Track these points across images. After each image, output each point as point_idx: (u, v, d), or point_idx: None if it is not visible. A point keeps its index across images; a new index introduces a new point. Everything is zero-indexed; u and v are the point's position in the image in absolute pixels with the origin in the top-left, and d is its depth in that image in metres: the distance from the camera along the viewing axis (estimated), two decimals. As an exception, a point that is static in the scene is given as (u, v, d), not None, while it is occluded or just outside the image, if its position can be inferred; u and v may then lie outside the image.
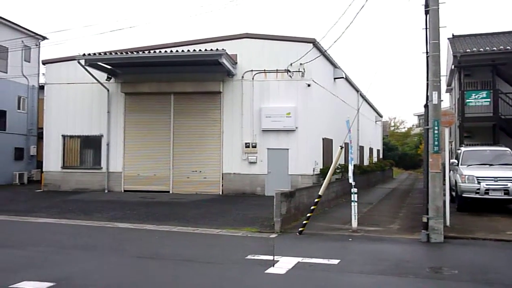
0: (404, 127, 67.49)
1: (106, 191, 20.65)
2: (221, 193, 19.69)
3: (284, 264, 7.57)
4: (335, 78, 23.35)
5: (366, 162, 31.33)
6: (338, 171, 19.56)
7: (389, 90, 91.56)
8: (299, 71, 19.04)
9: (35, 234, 11.09)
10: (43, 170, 22.15)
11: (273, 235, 10.54)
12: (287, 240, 10.05)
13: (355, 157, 28.11)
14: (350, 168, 11.52)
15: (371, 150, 35.70)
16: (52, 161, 21.68)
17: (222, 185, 19.82)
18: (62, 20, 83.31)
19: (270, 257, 8.07)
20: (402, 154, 52.79)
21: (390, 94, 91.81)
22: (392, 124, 65.75)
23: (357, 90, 29.57)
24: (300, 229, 10.66)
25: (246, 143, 19.62)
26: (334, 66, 23.14)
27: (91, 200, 17.77)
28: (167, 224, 12.11)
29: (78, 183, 21.19)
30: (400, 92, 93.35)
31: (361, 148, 30.50)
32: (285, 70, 19.22)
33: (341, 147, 11.41)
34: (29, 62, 27.71)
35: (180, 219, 12.94)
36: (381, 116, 43.19)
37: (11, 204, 16.65)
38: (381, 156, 42.48)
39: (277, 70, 19.41)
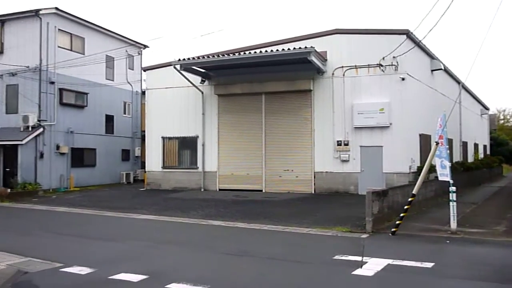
0: (516, 120, 61.78)
1: (202, 189, 21.50)
2: (313, 192, 19.54)
3: (372, 266, 7.30)
4: (432, 70, 22.05)
5: (470, 159, 29.18)
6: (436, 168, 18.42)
7: (496, 79, 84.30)
8: (392, 65, 18.27)
9: (136, 230, 11.87)
10: (146, 170, 23.67)
11: (364, 235, 10.22)
12: (379, 241, 9.68)
13: (458, 154, 26.34)
14: (447, 164, 10.79)
15: (476, 145, 33.18)
16: (154, 161, 23.07)
17: (314, 183, 19.65)
18: (159, 29, 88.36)
19: (359, 258, 7.84)
20: (514, 149, 48.33)
21: (497, 84, 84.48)
22: (501, 117, 60.53)
23: (458, 82, 27.65)
24: (393, 229, 10.22)
25: (338, 141, 19.27)
26: (431, 57, 21.86)
27: (188, 198, 18.61)
28: (258, 222, 12.29)
29: (177, 182, 22.31)
30: (509, 81, 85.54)
31: (464, 144, 28.47)
32: (377, 64, 18.57)
33: (437, 143, 10.74)
34: (132, 69, 29.77)
35: (271, 217, 13.05)
36: (487, 109, 39.97)
37: (118, 201, 17.98)
38: (488, 152, 39.32)
39: (368, 65, 18.80)
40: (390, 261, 7.54)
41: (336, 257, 8.02)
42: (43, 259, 8.04)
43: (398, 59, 18.06)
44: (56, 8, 23.28)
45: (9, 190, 19.92)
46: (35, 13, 22.48)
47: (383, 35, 18.74)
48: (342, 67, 19.26)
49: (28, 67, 22.29)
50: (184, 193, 20.40)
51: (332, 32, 19.64)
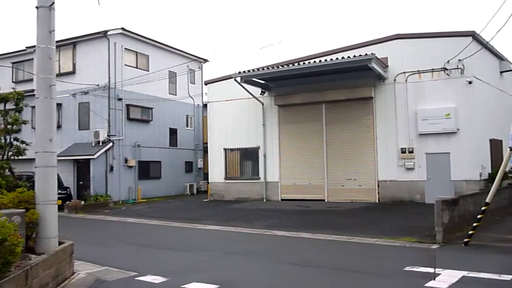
0: None
1: (264, 200, 21.65)
2: (377, 201, 19.13)
3: (446, 278, 7.05)
4: (501, 72, 21.04)
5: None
6: (511, 175, 17.47)
7: None
8: (457, 68, 17.63)
9: (203, 240, 12.17)
10: (209, 181, 24.21)
11: (435, 246, 9.88)
12: (450, 252, 9.32)
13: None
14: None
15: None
16: (216, 172, 23.55)
17: (378, 192, 19.23)
18: (219, 43, 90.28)
19: (431, 270, 7.59)
20: None
21: None
22: None
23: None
24: (466, 240, 9.81)
25: (402, 149, 18.78)
26: (500, 59, 20.86)
27: (251, 208, 18.81)
28: (322, 232, 12.21)
29: (239, 192, 22.63)
30: None
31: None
32: (441, 68, 17.99)
33: (511, 149, 10.21)
34: (193, 83, 30.68)
35: (335, 227, 12.92)
36: None
37: (184, 212, 18.50)
38: None
39: (432, 69, 18.25)
40: (465, 273, 7.24)
41: (407, 268, 7.81)
42: (118, 268, 8.45)
43: (464, 62, 17.40)
44: (123, 29, 24.53)
45: (82, 202, 21.07)
46: (103, 34, 23.81)
47: (447, 38, 18.13)
48: (404, 72, 18.82)
49: (98, 85, 23.59)
50: (246, 204, 20.64)
51: (392, 37, 19.28)
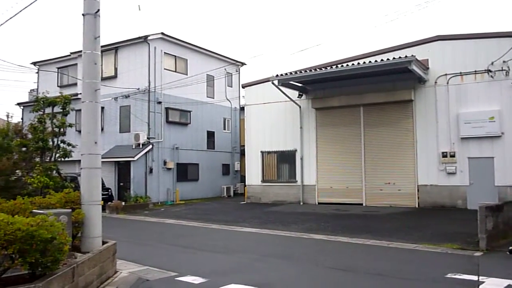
0: None
1: (301, 203, 21.59)
2: (417, 206, 18.73)
3: (491, 287, 6.85)
4: (549, 74, 20.18)
5: None
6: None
7: None
8: (502, 70, 17.08)
9: (240, 242, 12.26)
10: (246, 183, 24.36)
11: (478, 253, 9.60)
12: (495, 259, 9.05)
13: None
14: None
15: None
16: (253, 175, 23.68)
17: (418, 197, 18.83)
18: (257, 46, 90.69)
19: (474, 277, 7.39)
20: None
21: None
22: None
23: None
24: (511, 247, 9.47)
25: (443, 153, 18.34)
26: (548, 60, 20.02)
27: (287, 212, 18.80)
28: (360, 237, 12.09)
29: (276, 195, 22.66)
30: None
31: None
32: (485, 70, 17.47)
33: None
34: (231, 87, 30.99)
35: (374, 232, 12.76)
36: None
37: (221, 214, 18.68)
38: None
39: (475, 71, 17.75)
40: (510, 282, 7.01)
41: (449, 275, 7.64)
42: (159, 268, 8.65)
43: (510, 64, 16.84)
44: (162, 33, 25.06)
45: (123, 203, 21.62)
46: (144, 39, 24.41)
47: (491, 38, 17.59)
48: (446, 75, 18.39)
49: (138, 89, 24.20)
50: (283, 207, 20.64)
51: (433, 39, 18.87)
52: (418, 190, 18.85)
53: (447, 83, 18.35)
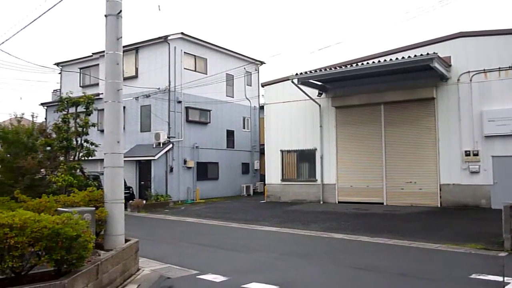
0: None
1: (321, 202, 21.51)
2: (439, 205, 18.48)
3: (516, 287, 6.72)
4: None
5: None
6: None
7: None
8: (527, 67, 16.73)
9: (260, 241, 12.28)
10: (265, 182, 24.38)
11: (502, 254, 9.42)
12: (520, 260, 8.86)
13: None
14: None
15: None
16: (273, 174, 23.67)
17: (440, 196, 18.57)
18: (276, 44, 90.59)
19: (499, 278, 7.26)
20: None
21: None
22: None
23: None
24: (537, 248, 9.28)
25: (466, 151, 18.04)
26: None
27: (307, 210, 18.75)
28: (381, 236, 11.99)
29: (296, 194, 22.62)
30: None
31: None
32: (509, 67, 17.14)
33: None
34: (250, 85, 31.04)
35: (395, 231, 12.63)
36: None
37: (241, 213, 18.74)
38: None
39: (499, 68, 17.42)
40: (537, 283, 6.88)
41: (473, 275, 7.52)
42: (180, 266, 8.73)
43: (535, 60, 16.48)
44: (182, 33, 25.24)
45: (144, 202, 21.87)
46: (164, 39, 24.63)
47: (516, 34, 17.25)
48: (469, 72, 18.09)
49: (159, 88, 24.43)
50: (303, 206, 20.60)
51: (456, 35, 18.58)
52: (440, 189, 18.59)
53: (470, 80, 18.05)
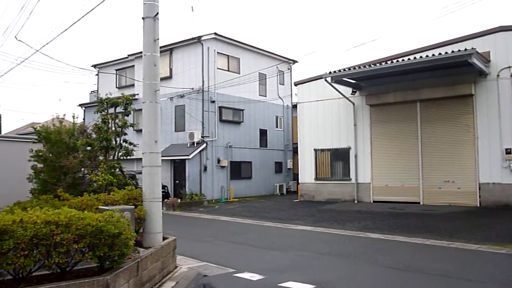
0: None
1: (355, 201, 21.28)
2: (478, 205, 17.97)
3: None
4: None
5: None
6: None
7: None
8: None
9: (295, 240, 12.27)
10: (299, 181, 24.31)
11: (548, 255, 9.11)
12: None
13: None
14: None
15: None
16: (307, 173, 23.58)
17: (480, 196, 18.06)
18: (309, 43, 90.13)
19: (545, 280, 7.03)
20: None
21: None
22: None
23: None
24: None
25: (506, 149, 17.48)
26: None
27: (342, 210, 18.60)
28: (419, 236, 11.77)
29: (330, 193, 22.46)
30: None
31: None
32: (553, 61, 16.49)
33: None
34: (283, 84, 30.99)
35: (433, 231, 12.38)
36: None
37: (275, 212, 18.76)
38: None
39: (542, 63, 16.80)
40: None
41: (516, 277, 7.31)
42: (217, 264, 8.84)
43: None
44: (215, 33, 25.45)
45: (179, 200, 22.19)
46: (197, 40, 24.90)
47: (560, 28, 16.59)
48: (509, 67, 17.53)
49: (192, 88, 24.72)
50: (337, 205, 20.44)
51: (495, 30, 18.02)
52: (479, 189, 18.08)
53: (511, 76, 17.47)
